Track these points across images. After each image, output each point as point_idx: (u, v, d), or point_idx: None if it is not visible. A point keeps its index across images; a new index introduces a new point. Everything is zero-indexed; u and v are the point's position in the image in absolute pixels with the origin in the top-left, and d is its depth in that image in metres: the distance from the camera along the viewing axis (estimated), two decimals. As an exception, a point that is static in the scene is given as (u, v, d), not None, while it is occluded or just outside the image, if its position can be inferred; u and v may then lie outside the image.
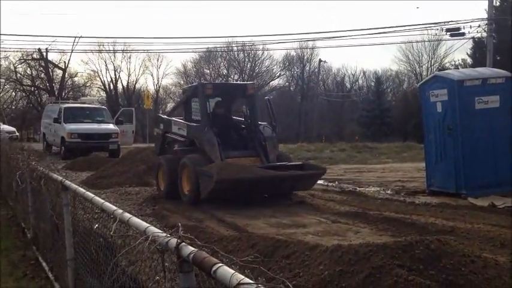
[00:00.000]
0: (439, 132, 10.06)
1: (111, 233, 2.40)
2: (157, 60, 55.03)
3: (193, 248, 1.90)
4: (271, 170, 9.30)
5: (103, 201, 3.15)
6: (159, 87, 57.15)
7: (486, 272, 3.91)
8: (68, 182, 4.38)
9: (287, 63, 56.15)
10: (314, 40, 51.90)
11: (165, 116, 11.80)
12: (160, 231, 2.15)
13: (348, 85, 57.81)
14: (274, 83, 57.39)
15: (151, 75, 64.71)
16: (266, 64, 55.21)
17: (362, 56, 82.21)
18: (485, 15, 27.39)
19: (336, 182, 12.59)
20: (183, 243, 1.90)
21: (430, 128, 10.35)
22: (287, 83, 58.30)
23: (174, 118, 11.30)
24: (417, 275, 3.76)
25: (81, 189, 3.90)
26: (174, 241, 1.95)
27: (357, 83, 57.81)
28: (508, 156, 9.80)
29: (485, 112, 9.70)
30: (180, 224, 2.03)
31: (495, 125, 9.75)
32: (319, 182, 13.86)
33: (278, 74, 56.99)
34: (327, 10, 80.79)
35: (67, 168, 17.24)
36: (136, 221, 2.41)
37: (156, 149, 11.97)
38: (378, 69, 67.72)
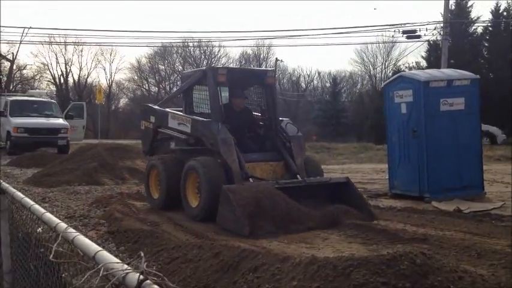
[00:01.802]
0: (403, 133, 9.82)
1: (51, 257, 1.87)
2: (110, 54, 53.66)
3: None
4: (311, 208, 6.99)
5: (44, 211, 2.61)
6: (111, 81, 55.83)
7: (475, 290, 3.56)
8: (5, 185, 3.77)
9: (243, 61, 55.83)
10: (271, 38, 51.85)
11: (158, 107, 9.57)
12: (115, 259, 1.64)
13: (303, 85, 58.03)
14: (231, 80, 56.78)
15: (104, 69, 63.25)
16: (222, 61, 54.64)
17: (318, 57, 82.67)
18: (441, 19, 27.77)
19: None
20: (148, 282, 1.40)
21: (394, 130, 10.10)
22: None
23: (171, 110, 9.24)
24: (402, 293, 3.37)
25: (19, 194, 3.32)
26: (134, 277, 1.45)
27: (312, 83, 58.10)
28: (471, 159, 9.67)
29: (450, 114, 9.52)
30: (142, 254, 1.52)
31: (459, 128, 9.57)
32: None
33: (234, 71, 56.33)
34: (284, 9, 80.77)
35: (13, 164, 16.37)
36: (84, 242, 1.88)
37: (144, 147, 10.01)
38: (333, 70, 68.26)
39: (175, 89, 56.81)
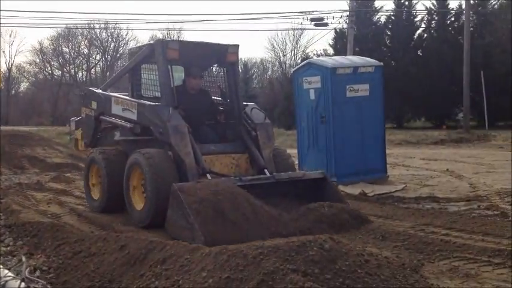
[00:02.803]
0: (312, 119, 10.00)
1: None
2: (10, 36, 50.54)
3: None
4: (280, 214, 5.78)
5: None
6: (11, 65, 52.70)
7: (382, 273, 3.64)
8: None
9: (153, 45, 54.50)
10: (181, 22, 50.96)
11: (100, 91, 8.14)
12: (-6, 265, 1.43)
13: (214, 70, 57.73)
14: (139, 65, 55.44)
15: (3, 52, 59.30)
16: (131, 45, 53.08)
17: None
18: (347, 7, 28.58)
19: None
20: (29, 290, 1.21)
21: (303, 115, 10.26)
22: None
23: (115, 94, 7.89)
24: (313, 280, 3.37)
25: None
26: (14, 285, 1.26)
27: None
28: (375, 144, 10.02)
29: (355, 100, 9.79)
30: (24, 259, 1.33)
31: (364, 113, 9.87)
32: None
33: (143, 56, 55.18)
34: (193, -7, 79.64)
35: None
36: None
37: (84, 138, 8.48)
38: (245, 57, 68.54)
39: (80, 74, 54.88)
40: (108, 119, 7.73)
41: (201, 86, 7.52)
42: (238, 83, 7.69)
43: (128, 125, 7.12)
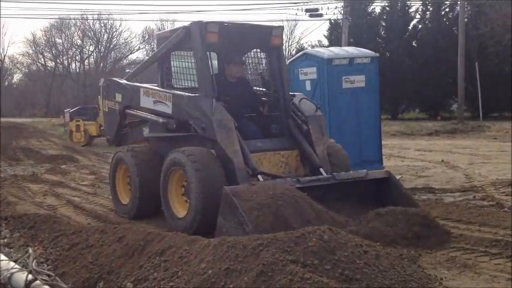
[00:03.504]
0: (308, 110, 9.98)
1: None
2: (2, 27, 50.14)
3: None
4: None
5: None
6: (4, 56, 52.40)
7: (380, 264, 3.65)
8: None
9: (147, 37, 54.41)
10: (175, 13, 50.71)
11: (125, 82, 7.30)
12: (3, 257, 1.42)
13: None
14: (133, 56, 55.32)
15: (-4, 42, 58.92)
16: (124, 36, 52.91)
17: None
18: (342, -2, 28.50)
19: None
20: (37, 282, 1.21)
21: (299, 107, 10.24)
22: (147, 57, 56.46)
23: (145, 85, 7.03)
24: (312, 271, 3.38)
25: None
26: (21, 277, 1.25)
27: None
28: (371, 135, 10.02)
29: (351, 91, 9.76)
30: (31, 251, 1.32)
31: (360, 105, 9.85)
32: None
33: (137, 47, 55.14)
34: (187, -16, 79.15)
35: None
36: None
37: (108, 134, 7.74)
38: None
39: (74, 65, 54.56)
40: (136, 113, 7.00)
41: (242, 73, 6.73)
42: (284, 70, 6.82)
43: (161, 119, 6.36)
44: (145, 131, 6.87)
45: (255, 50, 6.84)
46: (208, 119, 5.74)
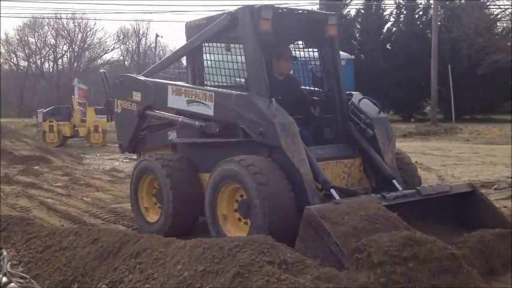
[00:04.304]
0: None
1: None
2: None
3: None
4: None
5: None
6: (-26, 55, 51.23)
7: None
8: None
9: (121, 36, 54.02)
10: (150, 13, 50.49)
11: (144, 78, 6.38)
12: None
13: (184, 63, 57.44)
14: (108, 56, 54.90)
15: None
16: (99, 36, 52.40)
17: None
18: (317, 0, 28.71)
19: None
20: (12, 285, 1.19)
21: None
22: (121, 57, 56.16)
23: (173, 82, 6.22)
24: (289, 272, 3.39)
25: None
26: (-6, 280, 1.23)
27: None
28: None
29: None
30: (5, 253, 1.30)
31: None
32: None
33: (112, 47, 54.82)
34: (163, -16, 78.78)
35: None
36: None
37: (121, 139, 6.76)
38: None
39: (47, 64, 53.75)
40: (162, 114, 6.08)
41: (290, 69, 5.87)
42: (339, 65, 5.81)
43: (197, 122, 5.46)
44: (172, 135, 5.96)
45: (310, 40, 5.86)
46: (269, 122, 4.82)
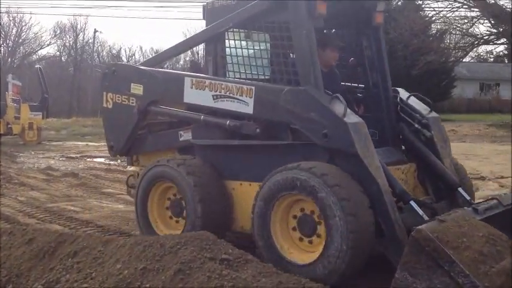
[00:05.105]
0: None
1: None
2: None
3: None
4: None
5: None
6: None
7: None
8: None
9: (58, 31, 52.39)
10: (89, 8, 49.21)
11: (149, 68, 5.36)
12: None
13: (125, 59, 56.46)
14: (44, 51, 53.13)
15: None
16: (34, 30, 50.59)
17: (141, 31, 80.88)
18: None
19: (119, 161, 11.82)
20: None
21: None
22: (58, 53, 54.48)
23: (191, 73, 5.17)
24: (230, 267, 3.40)
25: None
26: None
27: (133, 57, 56.83)
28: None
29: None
30: None
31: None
32: (100, 160, 12.97)
33: (48, 42, 53.05)
34: (102, -22, 77.08)
35: None
36: None
37: (111, 141, 5.58)
38: (156, 46, 67.53)
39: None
40: (171, 111, 5.16)
41: (335, 60, 5.10)
42: (385, 58, 5.12)
43: (228, 121, 4.59)
44: (186, 136, 5.02)
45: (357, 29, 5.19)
46: (338, 122, 4.03)
